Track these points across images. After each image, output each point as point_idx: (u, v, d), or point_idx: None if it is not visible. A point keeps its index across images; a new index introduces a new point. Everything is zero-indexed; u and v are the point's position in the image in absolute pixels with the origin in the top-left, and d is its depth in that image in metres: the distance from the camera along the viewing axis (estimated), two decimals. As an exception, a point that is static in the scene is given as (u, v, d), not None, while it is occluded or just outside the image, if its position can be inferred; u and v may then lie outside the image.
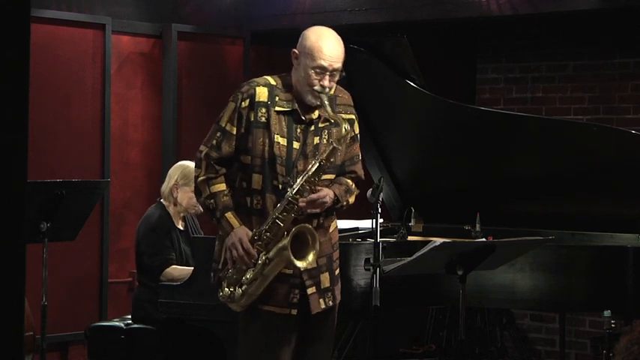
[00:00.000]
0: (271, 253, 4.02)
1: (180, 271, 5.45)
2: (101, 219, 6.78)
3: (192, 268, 5.39)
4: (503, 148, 5.71)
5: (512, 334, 7.21)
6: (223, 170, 4.12)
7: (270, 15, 7.23)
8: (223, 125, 4.10)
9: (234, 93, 4.14)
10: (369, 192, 4.47)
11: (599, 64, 7.45)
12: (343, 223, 5.78)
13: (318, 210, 4.09)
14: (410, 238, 5.60)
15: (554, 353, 7.46)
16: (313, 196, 4.03)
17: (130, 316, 5.74)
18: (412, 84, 5.64)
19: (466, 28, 7.84)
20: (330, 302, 4.20)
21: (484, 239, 5.44)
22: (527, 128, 5.67)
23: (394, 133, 5.98)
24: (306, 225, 4.03)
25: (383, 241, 4.66)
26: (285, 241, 3.98)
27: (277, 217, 4.02)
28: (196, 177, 4.13)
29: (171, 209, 5.65)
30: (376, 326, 4.44)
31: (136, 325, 5.63)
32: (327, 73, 4.07)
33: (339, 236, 5.44)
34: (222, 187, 4.10)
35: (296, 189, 4.01)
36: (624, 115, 7.34)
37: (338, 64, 4.10)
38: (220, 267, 4.16)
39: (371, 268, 4.34)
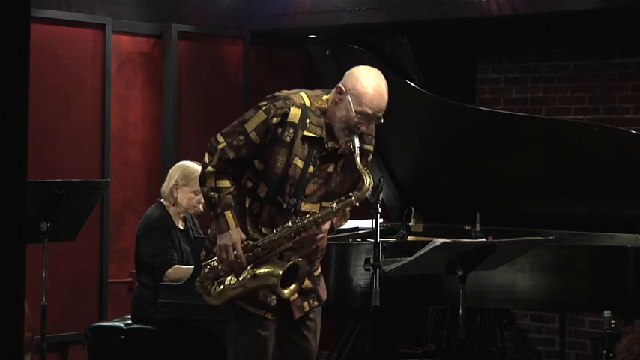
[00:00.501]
0: (260, 272, 4.03)
1: (183, 270, 5.45)
2: (101, 219, 6.78)
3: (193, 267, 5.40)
4: (503, 148, 5.71)
5: (512, 334, 7.21)
6: (231, 170, 4.10)
7: (270, 15, 7.23)
8: (248, 131, 4.03)
9: (268, 103, 4.04)
10: (369, 192, 4.47)
11: (599, 64, 7.45)
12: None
13: (313, 246, 4.10)
14: (410, 238, 5.60)
15: (554, 353, 7.46)
16: (317, 237, 4.05)
17: (130, 316, 5.74)
18: (412, 84, 5.64)
19: (466, 28, 7.84)
20: (315, 302, 4.21)
21: (484, 239, 5.44)
22: (527, 128, 5.67)
23: (394, 133, 5.98)
24: (302, 261, 4.04)
25: (383, 241, 4.66)
26: (280, 271, 3.99)
27: (275, 240, 4.03)
28: (206, 164, 4.07)
29: (171, 209, 5.65)
30: (376, 326, 4.44)
31: (136, 325, 5.63)
32: (369, 122, 4.05)
33: (339, 236, 5.45)
34: (228, 184, 4.07)
35: (302, 223, 4.02)
36: (624, 115, 7.33)
37: (381, 113, 4.07)
38: (207, 259, 4.16)
39: (371, 268, 4.34)
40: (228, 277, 4.07)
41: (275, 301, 4.11)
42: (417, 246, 4.69)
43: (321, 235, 4.08)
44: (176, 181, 5.60)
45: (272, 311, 4.12)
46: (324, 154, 4.07)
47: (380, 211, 4.36)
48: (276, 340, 4.18)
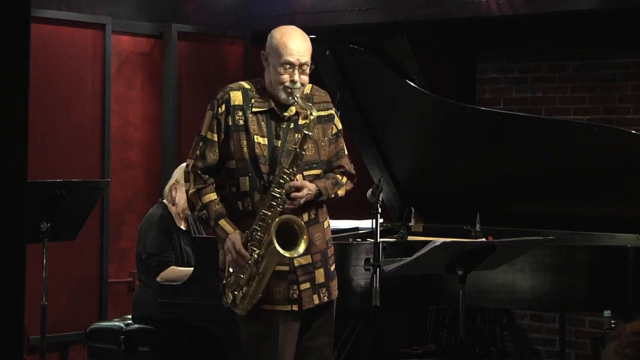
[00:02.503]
0: (262, 250, 4.04)
1: (178, 272, 5.45)
2: (101, 219, 6.78)
3: (192, 269, 5.40)
4: (503, 148, 5.71)
5: (512, 334, 7.21)
6: (211, 180, 4.16)
7: (270, 15, 7.23)
8: (204, 134, 4.15)
9: (211, 101, 4.21)
10: (369, 192, 4.47)
11: (599, 64, 7.45)
12: (343, 223, 5.78)
13: (299, 201, 4.09)
14: (410, 238, 5.60)
15: (554, 353, 7.46)
16: (297, 183, 4.06)
17: (130, 316, 5.74)
18: (412, 84, 5.64)
19: (466, 28, 7.84)
20: (325, 298, 4.22)
21: (484, 239, 5.44)
22: (527, 128, 5.66)
23: (394, 133, 5.98)
24: (289, 215, 4.06)
25: (383, 241, 4.66)
26: (271, 235, 4.00)
27: (264, 214, 4.05)
28: (187, 191, 4.19)
29: (173, 209, 5.66)
30: (376, 326, 4.44)
31: (136, 325, 5.63)
32: (296, 68, 4.12)
33: (339, 236, 5.45)
34: (213, 196, 4.14)
35: (276, 183, 4.04)
36: (624, 115, 7.33)
37: (305, 58, 4.15)
38: (226, 275, 4.17)
39: (371, 268, 4.35)
40: (242, 276, 4.08)
41: (297, 292, 4.12)
42: (417, 246, 4.69)
43: (298, 193, 4.06)
44: (175, 181, 5.60)
45: (297, 303, 4.14)
46: (283, 125, 4.13)
47: (380, 211, 4.36)
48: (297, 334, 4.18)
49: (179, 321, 5.35)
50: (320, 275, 4.19)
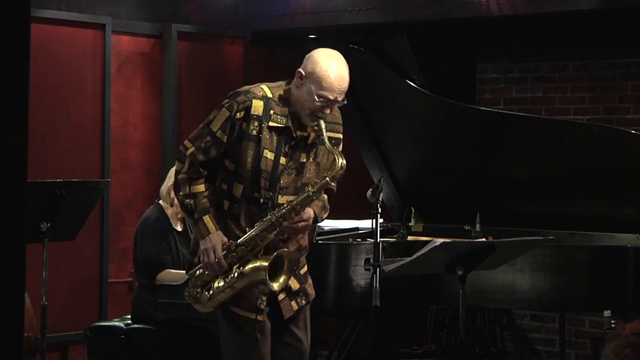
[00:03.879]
0: (246, 269, 4.03)
1: (173, 275, 5.45)
2: (101, 219, 6.78)
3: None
4: (503, 148, 5.71)
5: (512, 334, 7.21)
6: (205, 172, 4.10)
7: (270, 15, 7.23)
8: (214, 130, 4.05)
9: (230, 100, 4.06)
10: (369, 192, 4.46)
11: (599, 64, 7.45)
12: (343, 223, 5.79)
13: (300, 235, 4.10)
14: (410, 238, 5.60)
15: (554, 353, 7.46)
16: (299, 225, 4.04)
17: (129, 316, 5.74)
18: (412, 84, 5.64)
19: (466, 28, 7.84)
20: (303, 301, 4.21)
21: (484, 239, 5.44)
22: (527, 128, 5.66)
23: (394, 133, 5.98)
24: (286, 250, 4.04)
25: (383, 241, 4.66)
26: (265, 263, 3.99)
27: (257, 235, 4.02)
28: (177, 172, 4.09)
29: (169, 211, 5.65)
30: (376, 326, 4.44)
31: (136, 325, 5.63)
32: (332, 104, 4.04)
33: (339, 236, 5.45)
34: (203, 188, 4.08)
35: (280, 213, 4.01)
36: (624, 115, 7.33)
37: (343, 96, 4.06)
38: (195, 261, 4.15)
39: (371, 268, 4.34)
40: (216, 281, 4.07)
41: (265, 304, 4.10)
42: (417, 246, 4.69)
43: (303, 223, 4.06)
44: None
45: (263, 314, 4.11)
46: (293, 143, 4.07)
47: (380, 211, 4.36)
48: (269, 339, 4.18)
49: (179, 321, 5.34)
50: (293, 283, 4.17)
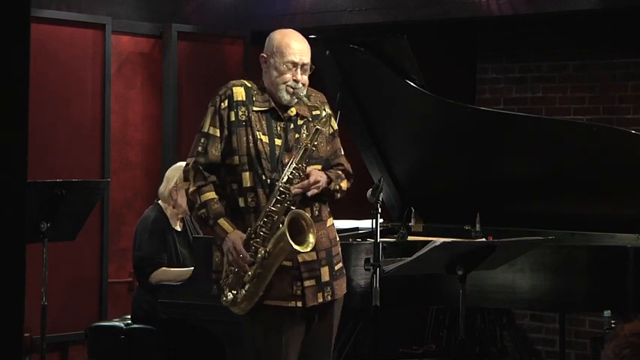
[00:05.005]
0: (270, 246, 4.02)
1: (169, 273, 5.46)
2: (101, 219, 6.78)
3: (184, 269, 5.42)
4: (503, 148, 5.71)
5: (512, 334, 7.21)
6: (213, 177, 4.13)
7: (270, 15, 7.23)
8: (206, 130, 4.14)
9: (212, 98, 4.21)
10: (369, 192, 4.46)
11: (599, 64, 7.45)
12: (343, 223, 5.78)
13: (314, 192, 4.09)
14: (410, 238, 5.60)
15: (554, 353, 7.46)
16: (304, 182, 4.06)
17: (129, 316, 5.74)
18: (412, 84, 5.64)
19: (466, 28, 7.84)
20: (329, 297, 4.19)
21: (484, 239, 5.44)
22: (527, 128, 5.66)
23: (394, 133, 5.98)
24: (299, 210, 4.04)
25: (383, 241, 4.66)
26: (282, 229, 3.98)
27: (270, 210, 4.04)
28: (187, 190, 4.16)
29: (168, 211, 5.65)
30: (376, 326, 4.44)
31: (136, 325, 5.63)
32: (299, 68, 4.15)
33: (339, 236, 5.45)
34: (212, 194, 4.12)
35: (285, 178, 4.04)
36: (624, 115, 7.33)
37: (307, 58, 4.19)
38: (222, 276, 4.15)
39: (371, 268, 4.34)
40: (247, 275, 4.06)
41: (301, 289, 4.10)
42: (417, 246, 4.69)
43: (312, 179, 4.07)
44: (175, 183, 5.59)
45: (300, 299, 4.11)
46: (282, 124, 4.15)
47: (380, 211, 4.36)
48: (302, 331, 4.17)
49: (179, 321, 5.34)
50: (325, 273, 4.17)
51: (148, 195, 6.95)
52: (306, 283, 4.12)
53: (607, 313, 4.91)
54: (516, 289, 5.18)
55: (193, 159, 4.14)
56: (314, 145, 4.09)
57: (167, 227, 5.61)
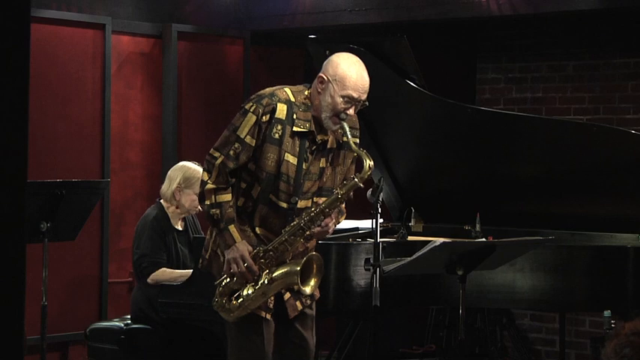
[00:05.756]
0: (276, 274, 4.04)
1: (168, 274, 5.46)
2: (101, 219, 6.78)
3: (184, 271, 5.42)
4: (503, 148, 5.71)
5: (512, 334, 7.21)
6: (233, 181, 4.09)
7: (270, 15, 7.23)
8: (242, 137, 4.03)
9: (255, 103, 4.06)
10: (369, 192, 4.46)
11: (599, 64, 7.45)
12: (343, 223, 5.78)
13: (325, 236, 4.14)
14: (410, 238, 5.60)
15: (554, 353, 7.46)
16: (324, 231, 4.06)
17: (129, 316, 5.74)
18: (412, 84, 5.64)
19: (466, 28, 7.84)
20: (308, 301, 4.22)
21: (484, 239, 5.44)
22: (527, 128, 5.66)
23: (394, 133, 5.98)
24: (318, 255, 4.07)
25: (383, 241, 4.66)
26: (297, 268, 4.00)
27: (286, 240, 4.04)
28: (204, 182, 4.07)
29: (170, 210, 5.65)
30: (376, 326, 4.44)
31: (136, 325, 5.63)
32: (354, 104, 4.06)
33: (339, 236, 5.45)
34: (229, 197, 4.07)
35: (309, 217, 4.02)
36: (624, 115, 7.33)
37: (365, 95, 4.09)
38: (208, 259, 4.18)
39: (371, 268, 4.34)
40: (245, 289, 4.06)
41: (273, 303, 4.12)
42: (417, 246, 4.69)
43: (331, 225, 4.07)
44: (178, 184, 5.59)
45: (270, 312, 4.13)
46: (314, 148, 4.09)
47: (380, 211, 4.36)
48: (274, 341, 4.19)
49: (179, 321, 5.34)
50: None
51: (148, 195, 6.95)
52: (285, 297, 4.15)
53: (607, 313, 4.90)
54: (516, 289, 5.18)
55: (222, 158, 4.04)
56: (344, 198, 4.06)
57: (168, 226, 5.61)
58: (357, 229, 5.80)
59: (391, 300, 4.71)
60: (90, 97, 6.78)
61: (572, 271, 5.16)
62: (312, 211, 4.02)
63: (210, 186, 4.05)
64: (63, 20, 6.64)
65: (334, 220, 4.10)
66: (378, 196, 4.37)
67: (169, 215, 5.64)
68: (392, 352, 7.23)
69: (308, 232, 4.04)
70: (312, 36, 6.03)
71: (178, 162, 5.86)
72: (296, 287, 4.02)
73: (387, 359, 7.16)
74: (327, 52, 5.69)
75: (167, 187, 5.68)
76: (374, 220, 4.36)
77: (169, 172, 5.74)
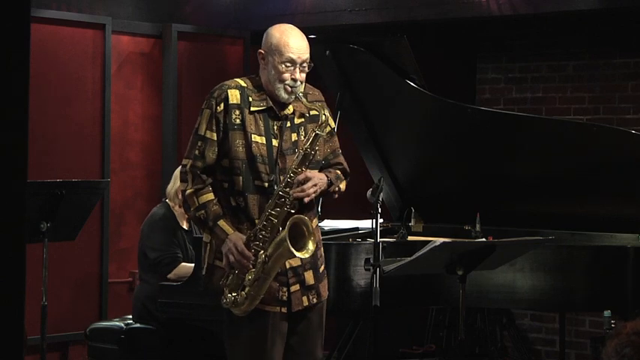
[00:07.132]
0: (270, 250, 4.02)
1: (188, 268, 5.47)
2: (101, 219, 6.78)
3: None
4: (503, 148, 5.71)
5: (512, 334, 7.21)
6: (210, 180, 4.12)
7: (270, 15, 7.23)
8: (202, 133, 4.11)
9: (207, 99, 4.17)
10: (369, 192, 4.47)
11: (599, 64, 7.45)
12: (343, 223, 5.79)
13: (313, 195, 4.08)
14: (410, 238, 5.60)
15: (554, 353, 7.46)
16: (304, 186, 4.03)
17: (130, 316, 5.74)
18: (412, 84, 5.64)
19: (466, 28, 7.84)
20: (314, 299, 4.19)
21: (484, 239, 5.44)
22: (527, 128, 5.66)
23: (394, 133, 5.98)
24: (301, 216, 4.03)
25: (383, 241, 4.66)
26: (283, 234, 3.97)
27: (270, 214, 4.03)
28: (183, 191, 4.12)
29: (176, 210, 5.67)
30: (376, 326, 4.44)
31: (136, 325, 5.64)
32: (297, 66, 4.11)
33: (339, 236, 5.45)
34: (211, 196, 4.10)
35: (284, 182, 4.03)
36: (624, 115, 7.33)
37: (306, 55, 4.15)
38: (222, 278, 4.15)
39: (371, 268, 4.34)
40: (247, 276, 4.05)
41: (287, 294, 4.10)
42: (417, 246, 4.69)
43: (310, 183, 4.05)
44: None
45: (285, 305, 4.11)
46: (280, 123, 4.12)
47: (380, 211, 4.36)
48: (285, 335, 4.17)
49: (179, 321, 5.35)
50: (309, 277, 4.17)
51: (148, 195, 6.96)
52: (292, 289, 4.13)
53: (607, 313, 4.91)
54: (516, 289, 5.18)
55: (190, 162, 4.11)
56: (313, 150, 4.08)
57: (176, 224, 5.64)
58: (357, 229, 5.80)
59: (391, 300, 4.71)
60: (90, 97, 6.78)
61: (572, 271, 5.16)
62: (287, 176, 4.04)
63: (189, 191, 4.11)
64: (63, 20, 6.64)
65: (311, 176, 4.05)
66: (378, 196, 4.38)
67: (176, 214, 5.67)
68: (392, 352, 7.23)
69: (288, 199, 4.02)
70: (312, 36, 6.04)
71: (178, 162, 5.86)
72: (298, 254, 3.96)
73: (387, 359, 7.15)
74: (327, 52, 5.71)
75: (172, 186, 5.71)
76: (374, 220, 4.36)
77: (175, 171, 5.76)
